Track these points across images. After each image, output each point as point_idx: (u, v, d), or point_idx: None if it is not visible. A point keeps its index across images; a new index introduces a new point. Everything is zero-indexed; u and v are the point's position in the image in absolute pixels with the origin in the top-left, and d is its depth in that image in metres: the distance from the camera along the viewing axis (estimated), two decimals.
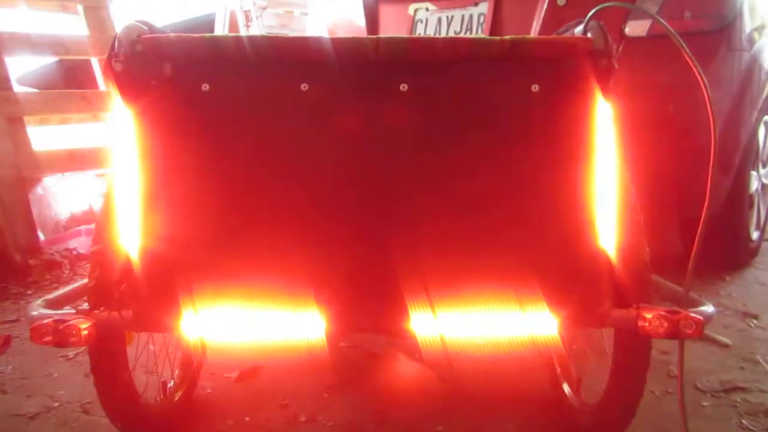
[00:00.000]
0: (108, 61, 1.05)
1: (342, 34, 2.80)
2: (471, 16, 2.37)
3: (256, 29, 4.62)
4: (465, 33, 2.38)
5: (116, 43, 1.06)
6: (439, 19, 2.46)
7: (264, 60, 1.07)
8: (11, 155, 2.68)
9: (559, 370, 1.53)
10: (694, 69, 1.04)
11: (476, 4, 2.36)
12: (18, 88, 3.07)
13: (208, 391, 1.61)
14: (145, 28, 1.10)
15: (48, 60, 4.05)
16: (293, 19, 5.02)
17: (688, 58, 1.04)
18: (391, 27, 2.61)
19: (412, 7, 2.53)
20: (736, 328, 2.01)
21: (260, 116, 1.08)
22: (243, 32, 4.64)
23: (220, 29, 4.63)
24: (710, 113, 1.04)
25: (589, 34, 1.08)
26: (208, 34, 1.07)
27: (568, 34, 1.20)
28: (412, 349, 1.79)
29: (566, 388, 1.48)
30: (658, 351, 1.76)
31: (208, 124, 1.08)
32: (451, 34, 2.41)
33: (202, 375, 1.61)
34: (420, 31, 2.50)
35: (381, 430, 1.43)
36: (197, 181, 1.08)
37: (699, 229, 1.09)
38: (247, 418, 1.48)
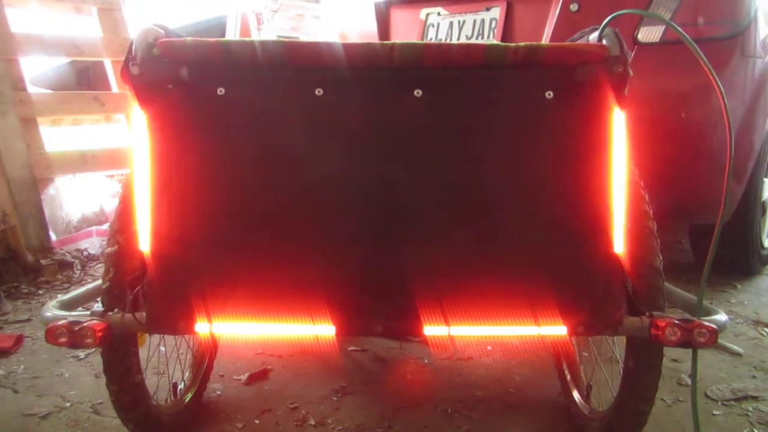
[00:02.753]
0: (125, 65, 1.06)
1: (353, 38, 2.81)
2: (483, 21, 2.38)
3: (268, 32, 4.64)
4: (477, 38, 2.38)
5: (133, 47, 1.07)
6: (451, 24, 2.46)
7: (279, 65, 1.07)
8: (24, 155, 2.71)
9: (569, 376, 1.53)
10: (710, 76, 1.04)
11: (488, 9, 2.37)
12: (32, 89, 3.09)
13: (218, 393, 1.62)
14: (162, 31, 1.11)
15: (61, 61, 4.08)
16: (304, 22, 5.04)
17: (704, 65, 1.04)
18: (403, 31, 2.61)
19: (423, 12, 2.53)
20: (748, 336, 2.00)
21: (275, 120, 1.09)
22: (254, 35, 4.65)
23: (232, 32, 4.65)
24: (726, 120, 1.03)
25: (604, 41, 1.08)
26: (224, 39, 1.08)
27: (582, 41, 1.20)
28: (423, 354, 1.79)
29: (576, 395, 1.47)
30: (668, 359, 1.75)
31: (224, 128, 1.09)
32: (463, 39, 2.41)
33: (212, 377, 1.61)
34: (431, 35, 2.51)
35: None
36: (212, 183, 1.09)
37: (714, 236, 1.09)
38: (256, 421, 1.48)
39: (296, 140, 1.09)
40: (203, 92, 1.08)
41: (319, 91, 1.07)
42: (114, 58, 3.28)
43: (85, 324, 1.03)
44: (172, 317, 1.09)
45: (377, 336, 1.09)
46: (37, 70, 4.25)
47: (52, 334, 1.04)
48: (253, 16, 4.67)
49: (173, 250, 1.08)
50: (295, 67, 1.08)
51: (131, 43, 1.08)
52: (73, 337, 1.03)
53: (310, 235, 1.09)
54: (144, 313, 1.09)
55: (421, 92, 1.07)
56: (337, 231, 1.09)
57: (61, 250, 2.74)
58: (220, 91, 1.07)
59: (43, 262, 2.60)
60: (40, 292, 2.46)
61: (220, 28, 4.74)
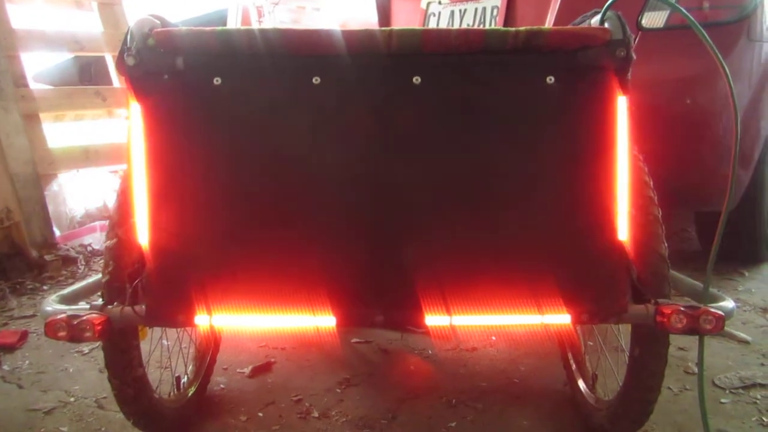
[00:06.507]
0: (120, 56, 1.05)
1: (354, 28, 2.78)
2: (484, 9, 2.35)
3: (269, 25, 4.61)
4: (478, 26, 2.36)
5: (128, 37, 1.06)
6: (452, 13, 2.44)
7: (276, 53, 1.06)
8: (27, 151, 2.71)
9: (574, 366, 1.52)
10: (717, 61, 1.01)
11: None
12: (34, 85, 3.09)
13: (222, 386, 1.62)
14: (158, 21, 1.10)
15: (63, 57, 4.08)
16: (305, 14, 5.01)
17: (710, 50, 1.01)
18: (404, 21, 2.59)
19: (424, 1, 2.51)
20: (756, 324, 1.98)
21: (272, 110, 1.08)
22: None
23: (233, 25, 4.63)
24: (733, 105, 1.01)
25: (606, 25, 1.06)
26: (219, 28, 1.07)
27: (584, 25, 1.18)
28: (426, 345, 1.79)
29: (581, 384, 1.46)
30: (675, 347, 1.74)
31: (220, 118, 1.08)
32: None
33: (215, 370, 1.61)
34: (432, 24, 2.48)
35: (393, 426, 1.42)
36: (210, 175, 1.08)
37: (720, 223, 1.07)
38: (260, 414, 1.48)
39: (294, 130, 1.07)
40: (199, 82, 1.06)
41: (316, 80, 1.06)
42: (115, 53, 3.27)
43: (84, 317, 1.03)
44: (171, 310, 1.08)
45: (378, 327, 1.07)
46: (39, 67, 4.25)
47: (51, 328, 1.03)
48: (254, 9, 4.64)
49: (172, 243, 1.08)
50: (292, 55, 1.06)
51: (126, 33, 1.07)
52: (73, 330, 1.02)
53: (309, 225, 1.07)
54: (144, 306, 1.09)
55: (420, 79, 1.05)
56: (336, 221, 1.08)
57: (65, 245, 2.74)
58: (217, 80, 1.06)
59: (47, 257, 2.60)
60: (45, 287, 2.46)
61: (221, 23, 4.72)
